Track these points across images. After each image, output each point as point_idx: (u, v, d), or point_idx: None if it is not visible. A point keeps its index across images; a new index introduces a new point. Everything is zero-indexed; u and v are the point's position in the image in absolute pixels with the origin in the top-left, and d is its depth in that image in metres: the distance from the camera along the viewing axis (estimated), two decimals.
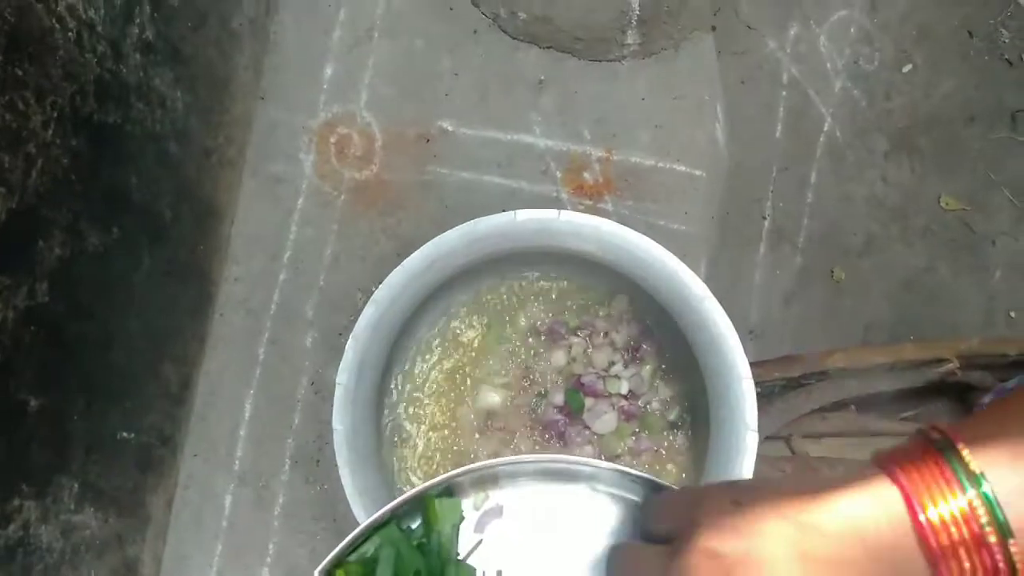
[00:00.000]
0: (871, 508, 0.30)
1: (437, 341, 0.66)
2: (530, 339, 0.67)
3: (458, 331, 0.66)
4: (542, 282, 0.67)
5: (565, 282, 0.67)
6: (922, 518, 0.30)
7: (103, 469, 0.59)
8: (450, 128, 0.81)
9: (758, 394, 0.87)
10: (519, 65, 0.83)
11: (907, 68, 1.04)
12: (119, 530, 0.63)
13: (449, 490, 0.45)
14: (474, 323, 0.67)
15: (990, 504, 0.29)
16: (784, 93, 1.00)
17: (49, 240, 0.49)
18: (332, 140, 0.80)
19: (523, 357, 0.66)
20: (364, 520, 0.51)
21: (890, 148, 1.02)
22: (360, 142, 0.80)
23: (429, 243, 0.55)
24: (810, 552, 0.30)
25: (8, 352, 0.46)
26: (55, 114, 0.48)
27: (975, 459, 0.30)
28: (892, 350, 0.86)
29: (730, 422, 0.54)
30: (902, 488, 0.30)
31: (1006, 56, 1.05)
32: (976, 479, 0.30)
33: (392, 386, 0.65)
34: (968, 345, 0.85)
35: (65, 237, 0.51)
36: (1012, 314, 1.00)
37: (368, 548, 0.43)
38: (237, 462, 0.74)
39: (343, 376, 0.53)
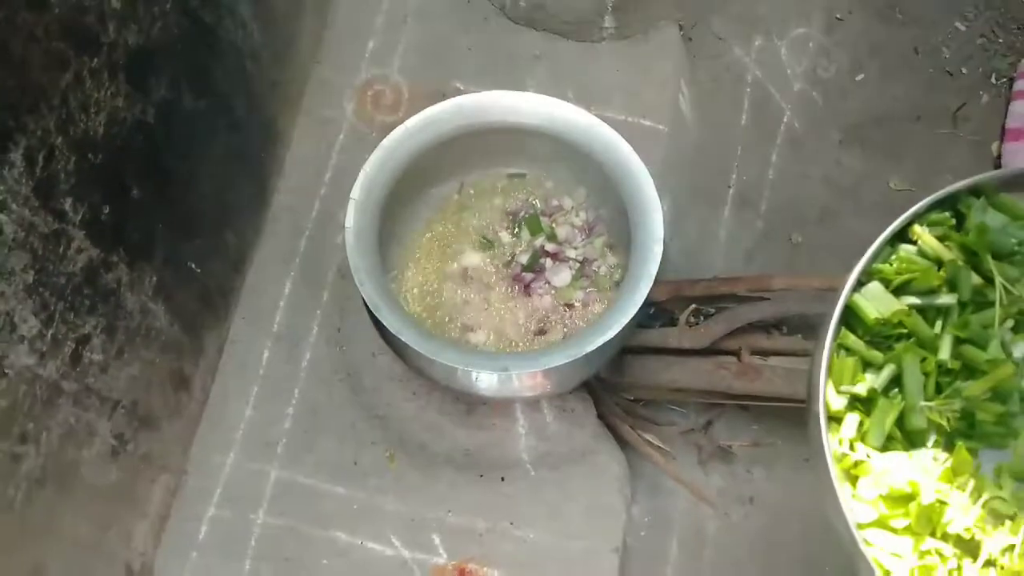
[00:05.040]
0: None
1: (430, 216, 0.85)
2: (505, 216, 0.85)
3: (448, 209, 0.85)
4: (514, 177, 0.86)
5: (534, 175, 0.86)
6: None
7: (174, 280, 0.78)
8: (462, 88, 1.03)
9: (710, 313, 1.01)
10: (519, 44, 1.05)
11: (860, 76, 1.22)
12: (180, 341, 0.82)
13: None
14: (461, 204, 0.86)
15: None
16: (748, 90, 1.20)
17: (159, 80, 0.71)
18: (369, 94, 1.03)
19: (498, 229, 0.84)
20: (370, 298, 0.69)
21: (844, 138, 1.19)
22: (391, 96, 1.03)
23: (425, 110, 0.76)
24: None
25: (123, 141, 0.67)
26: None
27: None
28: (829, 277, 1.00)
29: (643, 240, 0.71)
30: None
31: (947, 69, 1.23)
32: None
33: (391, 248, 0.83)
34: None
35: (170, 84, 0.73)
36: None
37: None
38: (275, 325, 0.93)
39: (356, 192, 0.72)
